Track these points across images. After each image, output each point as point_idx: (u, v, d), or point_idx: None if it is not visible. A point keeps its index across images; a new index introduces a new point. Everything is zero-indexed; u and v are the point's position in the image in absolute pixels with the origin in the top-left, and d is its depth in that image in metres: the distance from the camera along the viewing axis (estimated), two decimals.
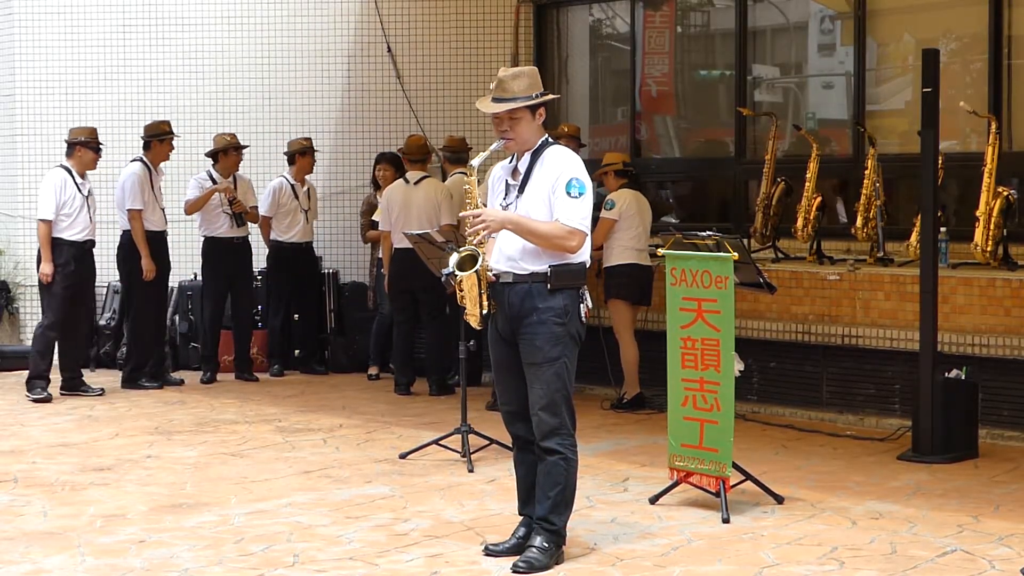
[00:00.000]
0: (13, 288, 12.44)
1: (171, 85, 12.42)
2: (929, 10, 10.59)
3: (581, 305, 5.83)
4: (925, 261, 8.13)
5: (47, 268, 10.23)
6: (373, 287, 11.60)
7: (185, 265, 11.82)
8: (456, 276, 5.82)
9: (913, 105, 10.02)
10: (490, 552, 5.97)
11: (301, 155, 11.64)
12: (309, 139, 11.77)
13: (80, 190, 10.35)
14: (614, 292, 9.79)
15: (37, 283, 10.55)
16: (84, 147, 10.40)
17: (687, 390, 6.81)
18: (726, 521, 6.53)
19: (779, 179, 10.21)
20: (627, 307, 9.80)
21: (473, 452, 7.92)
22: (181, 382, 11.11)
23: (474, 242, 5.79)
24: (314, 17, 12.48)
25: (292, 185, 11.62)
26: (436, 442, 8.15)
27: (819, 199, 9.92)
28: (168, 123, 11.04)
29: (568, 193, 5.71)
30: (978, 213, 8.84)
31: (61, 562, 5.95)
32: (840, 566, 5.83)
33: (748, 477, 6.98)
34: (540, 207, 5.76)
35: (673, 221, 11.55)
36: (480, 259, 5.77)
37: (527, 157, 5.85)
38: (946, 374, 8.17)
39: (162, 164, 10.99)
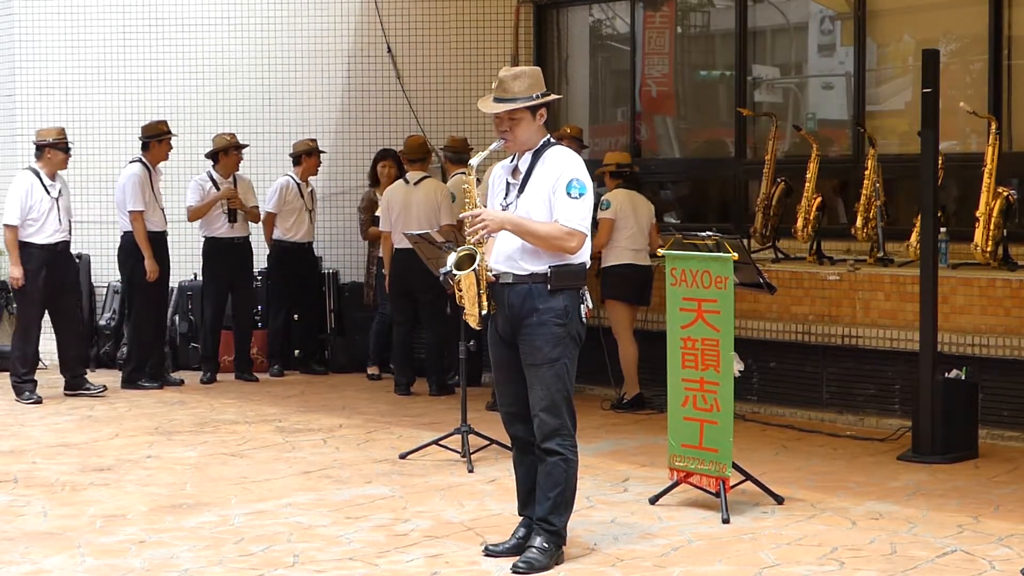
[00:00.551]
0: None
1: (171, 85, 12.42)
2: (929, 10, 10.59)
3: (582, 305, 5.83)
4: (925, 261, 8.13)
5: (16, 272, 10.18)
6: (372, 285, 11.59)
7: (185, 265, 11.82)
8: (454, 275, 5.81)
9: (913, 105, 10.03)
10: (490, 552, 5.97)
11: (307, 155, 11.64)
12: (315, 140, 11.77)
13: (49, 192, 10.28)
14: (610, 292, 9.79)
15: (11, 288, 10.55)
16: (53, 148, 10.31)
17: (687, 390, 6.81)
18: (726, 521, 6.53)
19: (779, 179, 10.21)
20: (624, 307, 9.81)
21: (473, 452, 7.92)
22: (181, 382, 11.12)
23: (472, 242, 5.78)
24: (314, 17, 12.49)
25: (298, 184, 11.63)
26: (436, 442, 8.15)
27: (819, 199, 9.92)
28: (166, 123, 11.03)
29: (568, 194, 5.71)
30: (978, 213, 8.84)
31: (61, 562, 5.95)
32: (840, 566, 5.83)
33: (748, 477, 6.98)
34: (540, 207, 5.76)
35: (673, 221, 11.56)
36: (478, 258, 5.77)
37: (528, 157, 5.84)
38: (946, 374, 8.17)
39: (161, 164, 10.99)
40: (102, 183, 11.96)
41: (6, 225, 10.29)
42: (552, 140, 5.91)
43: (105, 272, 11.83)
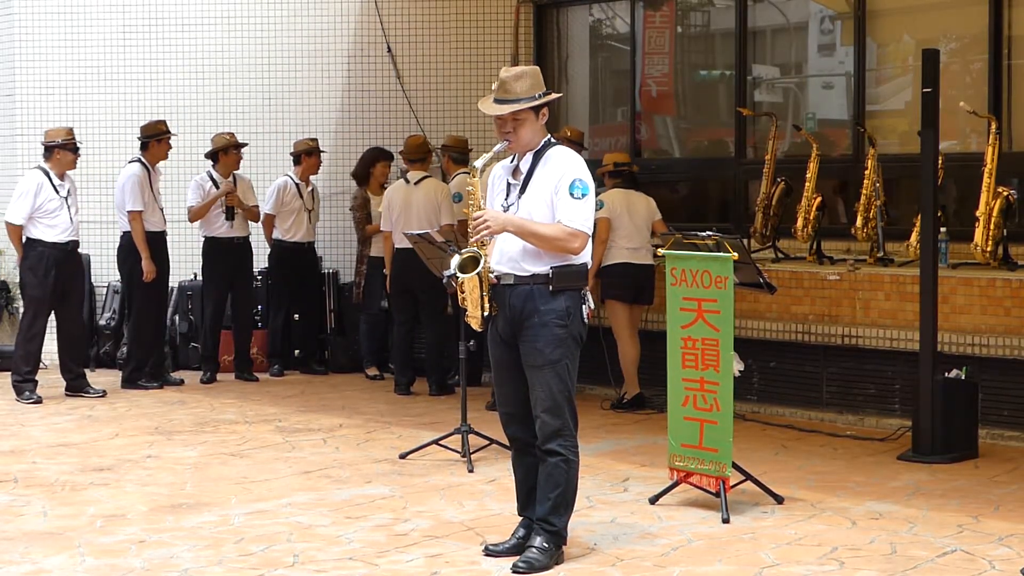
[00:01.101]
0: (13, 288, 12.44)
1: (171, 85, 12.42)
2: (929, 10, 10.59)
3: (583, 306, 5.82)
4: (925, 261, 8.13)
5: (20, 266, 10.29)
6: (360, 284, 11.52)
7: (185, 265, 11.82)
8: (458, 278, 5.80)
9: (913, 105, 10.03)
10: (490, 552, 5.97)
11: (307, 155, 11.64)
12: (315, 140, 11.77)
13: (58, 192, 10.30)
14: (608, 292, 9.79)
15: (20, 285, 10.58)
16: (63, 149, 10.33)
17: (688, 390, 6.81)
18: (726, 521, 6.53)
19: (779, 179, 10.21)
20: (623, 307, 9.80)
21: (473, 452, 7.92)
22: (181, 382, 11.12)
23: (475, 243, 5.77)
24: (314, 17, 12.48)
25: (297, 184, 11.63)
26: (436, 442, 8.15)
27: (819, 199, 9.92)
28: (165, 123, 11.03)
29: (571, 194, 5.69)
30: (978, 213, 8.84)
31: (61, 562, 5.95)
32: (840, 566, 5.83)
33: (748, 477, 6.98)
34: (542, 207, 5.74)
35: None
36: (482, 262, 5.75)
37: (529, 157, 5.83)
38: (946, 374, 8.17)
39: (161, 164, 10.99)
40: (102, 183, 11.95)
41: (8, 223, 10.30)
42: (553, 140, 5.90)
43: (105, 272, 11.83)
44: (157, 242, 10.83)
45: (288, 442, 8.72)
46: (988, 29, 9.70)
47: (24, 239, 10.30)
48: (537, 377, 5.77)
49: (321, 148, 11.80)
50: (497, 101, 5.77)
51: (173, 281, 11.39)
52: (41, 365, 10.68)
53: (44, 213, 10.25)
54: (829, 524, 6.55)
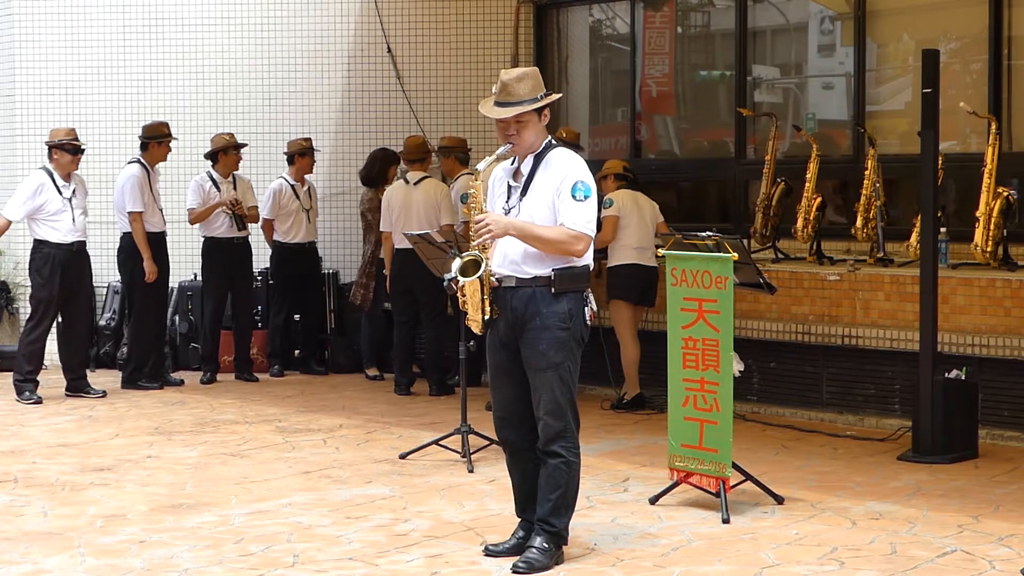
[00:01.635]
0: (13, 288, 12.44)
1: (171, 85, 12.42)
2: (929, 10, 10.59)
3: (586, 308, 5.80)
4: (925, 261, 8.13)
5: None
6: (367, 286, 11.47)
7: (185, 265, 11.82)
8: (459, 281, 5.79)
9: (913, 105, 10.03)
10: (490, 552, 5.97)
11: (300, 155, 11.63)
12: (309, 139, 11.76)
13: (61, 192, 10.29)
14: (614, 292, 9.79)
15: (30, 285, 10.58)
16: (59, 149, 10.30)
17: (688, 390, 6.81)
18: (726, 521, 6.53)
19: (779, 179, 10.22)
20: (627, 307, 9.80)
21: (473, 452, 7.93)
22: (181, 382, 11.12)
23: (477, 247, 5.75)
24: (314, 17, 12.48)
25: (292, 186, 11.62)
26: (436, 442, 8.15)
27: (819, 199, 9.92)
28: (167, 124, 11.03)
29: (573, 196, 5.67)
30: (978, 213, 8.84)
31: (61, 562, 5.95)
32: (840, 566, 5.83)
33: (748, 477, 6.98)
34: (543, 210, 5.72)
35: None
36: (483, 265, 5.74)
37: (530, 159, 5.81)
38: (946, 374, 8.17)
39: (160, 164, 10.99)
40: (102, 183, 11.95)
41: (4, 218, 10.33)
42: (554, 141, 5.88)
43: (105, 272, 11.82)
44: (157, 243, 10.83)
45: (288, 442, 8.72)
46: (988, 29, 9.71)
47: (32, 240, 10.34)
48: (539, 379, 5.76)
49: (320, 148, 11.80)
50: (498, 104, 5.75)
51: (173, 281, 11.39)
52: (42, 365, 10.68)
53: (47, 214, 10.25)
54: (829, 524, 6.55)
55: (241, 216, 11.16)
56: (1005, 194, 8.86)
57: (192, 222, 11.23)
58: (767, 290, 7.42)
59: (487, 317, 5.79)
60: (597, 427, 9.13)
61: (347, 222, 12.36)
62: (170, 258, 11.05)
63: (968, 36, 10.09)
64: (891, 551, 6.05)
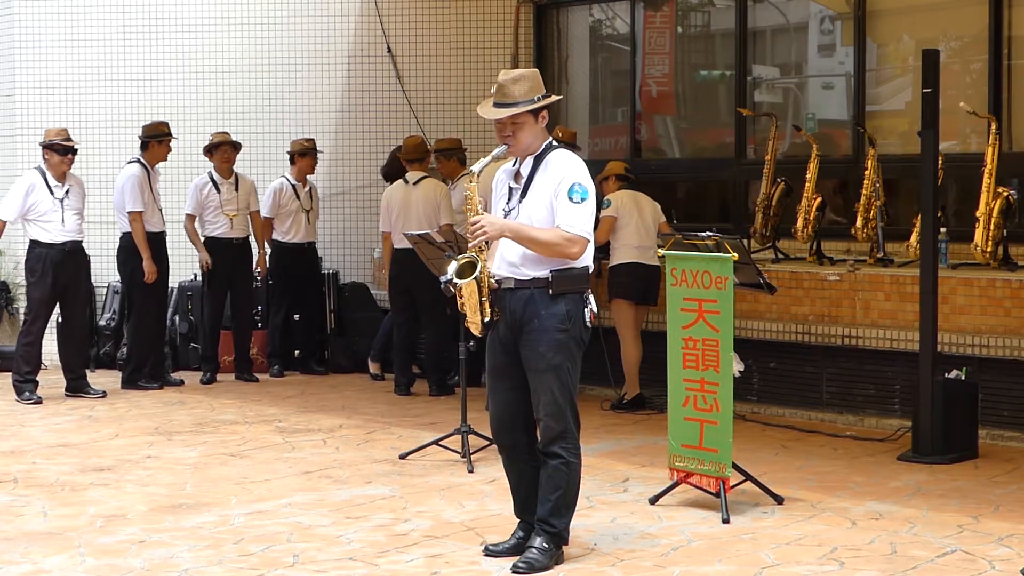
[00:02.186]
0: (13, 288, 12.44)
1: (171, 85, 12.42)
2: (929, 10, 10.59)
3: (586, 309, 5.79)
4: (925, 261, 8.13)
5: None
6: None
7: (185, 265, 11.82)
8: (455, 283, 5.78)
9: (913, 105, 10.03)
10: (490, 552, 5.97)
11: (301, 156, 11.63)
12: (312, 140, 11.75)
13: (53, 193, 10.27)
14: (615, 291, 9.79)
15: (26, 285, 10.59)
16: (49, 149, 10.30)
17: (688, 390, 6.81)
18: (726, 521, 6.53)
19: (779, 179, 10.22)
20: (628, 307, 9.80)
21: (473, 452, 7.93)
22: (181, 382, 11.12)
23: (473, 248, 5.74)
24: (314, 17, 12.49)
25: (293, 186, 11.62)
26: (436, 442, 8.15)
27: (819, 199, 9.92)
28: (167, 124, 11.02)
29: (570, 198, 5.66)
30: (978, 214, 8.84)
31: (61, 562, 5.95)
32: (840, 566, 5.83)
33: (748, 477, 6.98)
34: (542, 211, 5.71)
35: (673, 222, 11.54)
36: (479, 266, 5.73)
37: (530, 161, 5.80)
38: (946, 374, 8.17)
39: (160, 164, 10.98)
40: (102, 183, 11.95)
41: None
42: (554, 143, 5.87)
43: (105, 272, 11.82)
44: (156, 243, 10.83)
45: (288, 442, 8.72)
46: (988, 29, 9.70)
47: (27, 240, 10.36)
48: (539, 381, 5.76)
49: (320, 148, 11.80)
50: (496, 105, 5.75)
51: (173, 281, 11.39)
52: (42, 366, 10.68)
53: (38, 214, 10.25)
54: (829, 524, 6.55)
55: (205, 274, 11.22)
56: (1005, 194, 8.86)
57: (188, 229, 11.23)
58: (767, 290, 7.42)
59: (487, 319, 5.79)
60: (597, 427, 9.13)
61: (347, 222, 12.36)
62: (170, 258, 11.05)
63: (968, 36, 10.09)
64: (891, 551, 6.05)
